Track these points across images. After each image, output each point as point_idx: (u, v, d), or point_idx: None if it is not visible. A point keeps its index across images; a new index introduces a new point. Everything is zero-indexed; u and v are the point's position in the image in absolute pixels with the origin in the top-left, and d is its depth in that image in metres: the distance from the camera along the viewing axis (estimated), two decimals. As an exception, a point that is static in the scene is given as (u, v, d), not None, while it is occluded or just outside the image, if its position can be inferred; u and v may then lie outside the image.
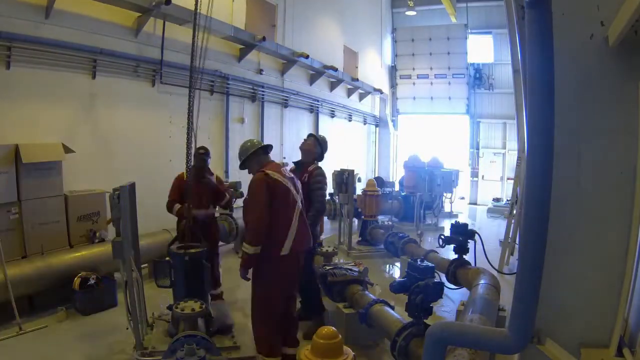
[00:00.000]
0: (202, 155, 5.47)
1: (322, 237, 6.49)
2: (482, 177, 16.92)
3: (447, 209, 12.95)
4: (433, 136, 17.90)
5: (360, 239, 8.66)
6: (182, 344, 2.99)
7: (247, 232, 3.64)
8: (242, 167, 3.98)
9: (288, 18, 10.84)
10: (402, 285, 3.70)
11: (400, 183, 12.80)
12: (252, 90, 9.66)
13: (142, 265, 4.88)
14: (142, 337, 3.77)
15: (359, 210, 8.86)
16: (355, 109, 15.33)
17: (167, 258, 4.11)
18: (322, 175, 4.96)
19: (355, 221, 9.25)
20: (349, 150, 14.67)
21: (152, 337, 3.93)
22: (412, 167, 11.37)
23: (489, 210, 14.36)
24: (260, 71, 9.88)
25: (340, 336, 2.57)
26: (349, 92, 14.83)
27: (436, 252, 6.33)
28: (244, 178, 7.59)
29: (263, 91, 9.98)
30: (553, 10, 1.72)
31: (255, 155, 3.86)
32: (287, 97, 10.97)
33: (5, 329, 4.39)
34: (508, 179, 15.83)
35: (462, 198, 15.94)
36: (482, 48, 17.04)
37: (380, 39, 17.27)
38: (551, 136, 1.79)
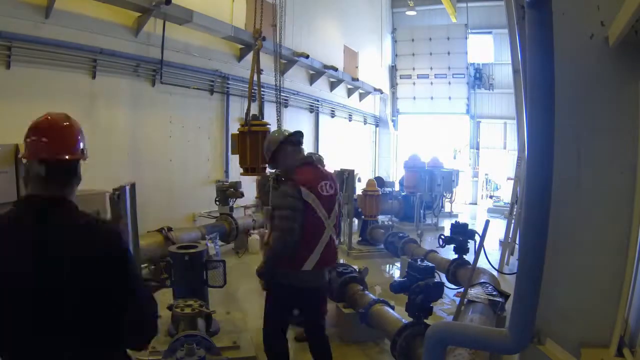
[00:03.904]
0: None
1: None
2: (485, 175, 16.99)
3: (447, 209, 12.94)
4: (433, 136, 17.90)
5: (360, 238, 8.66)
6: (182, 343, 3.00)
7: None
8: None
9: (288, 18, 10.83)
10: (402, 285, 3.70)
11: (401, 183, 12.80)
12: (252, 90, 9.64)
13: (142, 265, 4.88)
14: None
15: (359, 210, 8.86)
16: (356, 108, 15.33)
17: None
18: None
19: (355, 221, 9.25)
20: (349, 150, 14.67)
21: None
22: (412, 167, 11.37)
23: (489, 210, 14.36)
24: (260, 71, 9.86)
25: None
26: (349, 92, 14.84)
27: (436, 252, 6.33)
28: (244, 179, 7.62)
29: (263, 91, 9.96)
30: (553, 10, 1.72)
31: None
32: (287, 97, 10.97)
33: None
34: (508, 179, 15.83)
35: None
36: (482, 48, 17.05)
37: (380, 39, 17.27)
38: (551, 136, 1.79)
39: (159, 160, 7.52)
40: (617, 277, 1.94)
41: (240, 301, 5.58)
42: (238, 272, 6.83)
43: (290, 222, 2.95)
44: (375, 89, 15.99)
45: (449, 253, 6.08)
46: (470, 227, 5.77)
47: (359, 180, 10.02)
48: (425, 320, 3.51)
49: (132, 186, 4.05)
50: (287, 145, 3.29)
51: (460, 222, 5.88)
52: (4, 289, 1.43)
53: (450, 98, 17.29)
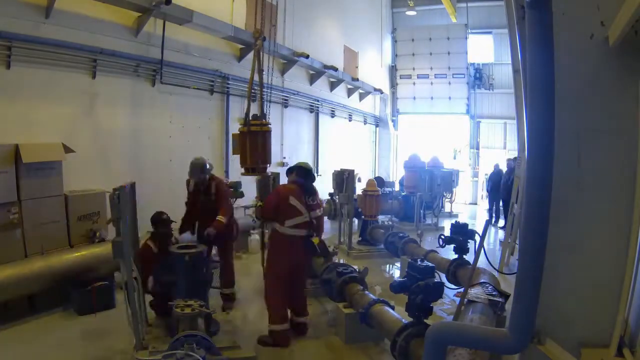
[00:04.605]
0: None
1: (323, 237, 6.48)
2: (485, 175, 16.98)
3: (447, 209, 12.94)
4: (433, 136, 17.88)
5: (360, 238, 8.66)
6: (182, 343, 3.00)
7: None
8: None
9: (288, 18, 10.84)
10: (402, 285, 3.69)
11: (400, 183, 12.79)
12: (253, 90, 9.65)
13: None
14: (142, 337, 3.76)
15: (359, 210, 8.86)
16: (356, 108, 15.33)
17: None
18: None
19: (355, 221, 9.25)
20: (349, 150, 14.68)
21: (152, 337, 3.93)
22: (412, 167, 11.36)
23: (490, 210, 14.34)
24: (261, 71, 9.87)
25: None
26: (349, 92, 14.84)
27: (436, 252, 6.32)
28: (244, 179, 7.61)
29: (264, 91, 9.96)
30: (553, 10, 1.72)
31: None
32: (287, 97, 10.97)
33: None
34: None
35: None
36: (482, 48, 17.04)
37: (380, 39, 17.27)
38: (551, 136, 1.79)
39: (159, 160, 7.52)
40: (617, 277, 1.94)
41: (240, 301, 5.57)
42: (238, 272, 6.83)
43: None
44: (375, 89, 15.99)
45: (449, 253, 6.08)
46: (470, 227, 5.77)
47: (359, 180, 10.01)
48: (425, 320, 3.51)
49: (132, 186, 4.05)
50: None
51: (460, 222, 5.88)
52: None
53: (450, 98, 17.29)
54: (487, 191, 13.10)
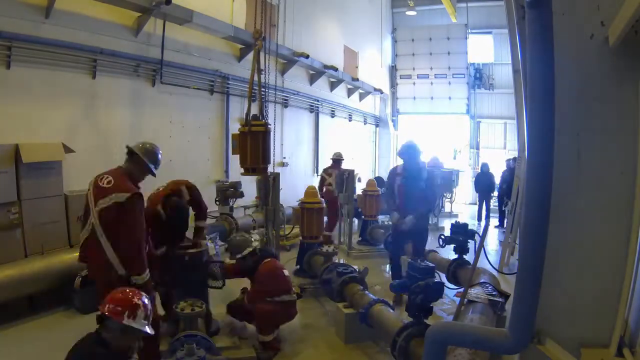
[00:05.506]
0: None
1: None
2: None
3: (447, 209, 12.95)
4: (433, 136, 17.87)
5: (360, 238, 8.66)
6: (182, 343, 3.00)
7: None
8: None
9: (288, 18, 10.84)
10: (402, 285, 3.69)
11: (401, 183, 12.77)
12: (253, 90, 9.64)
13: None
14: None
15: (359, 210, 8.86)
16: (356, 108, 15.33)
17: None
18: None
19: (355, 221, 9.24)
20: (349, 150, 14.67)
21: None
22: (412, 167, 11.34)
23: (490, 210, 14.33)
24: (260, 71, 9.87)
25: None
26: (349, 92, 14.83)
27: (436, 252, 6.32)
28: (244, 179, 7.62)
29: (263, 91, 9.96)
30: (553, 10, 1.72)
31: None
32: (287, 97, 10.97)
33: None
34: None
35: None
36: (482, 48, 17.04)
37: (380, 39, 17.26)
38: (551, 136, 1.79)
39: (159, 160, 7.51)
40: (617, 277, 1.94)
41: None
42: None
43: None
44: (375, 89, 15.99)
45: (449, 253, 6.08)
46: (470, 227, 5.77)
47: (359, 180, 10.00)
48: (425, 320, 3.51)
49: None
50: None
51: (460, 222, 5.88)
52: None
53: (450, 98, 17.28)
54: (476, 192, 13.15)
